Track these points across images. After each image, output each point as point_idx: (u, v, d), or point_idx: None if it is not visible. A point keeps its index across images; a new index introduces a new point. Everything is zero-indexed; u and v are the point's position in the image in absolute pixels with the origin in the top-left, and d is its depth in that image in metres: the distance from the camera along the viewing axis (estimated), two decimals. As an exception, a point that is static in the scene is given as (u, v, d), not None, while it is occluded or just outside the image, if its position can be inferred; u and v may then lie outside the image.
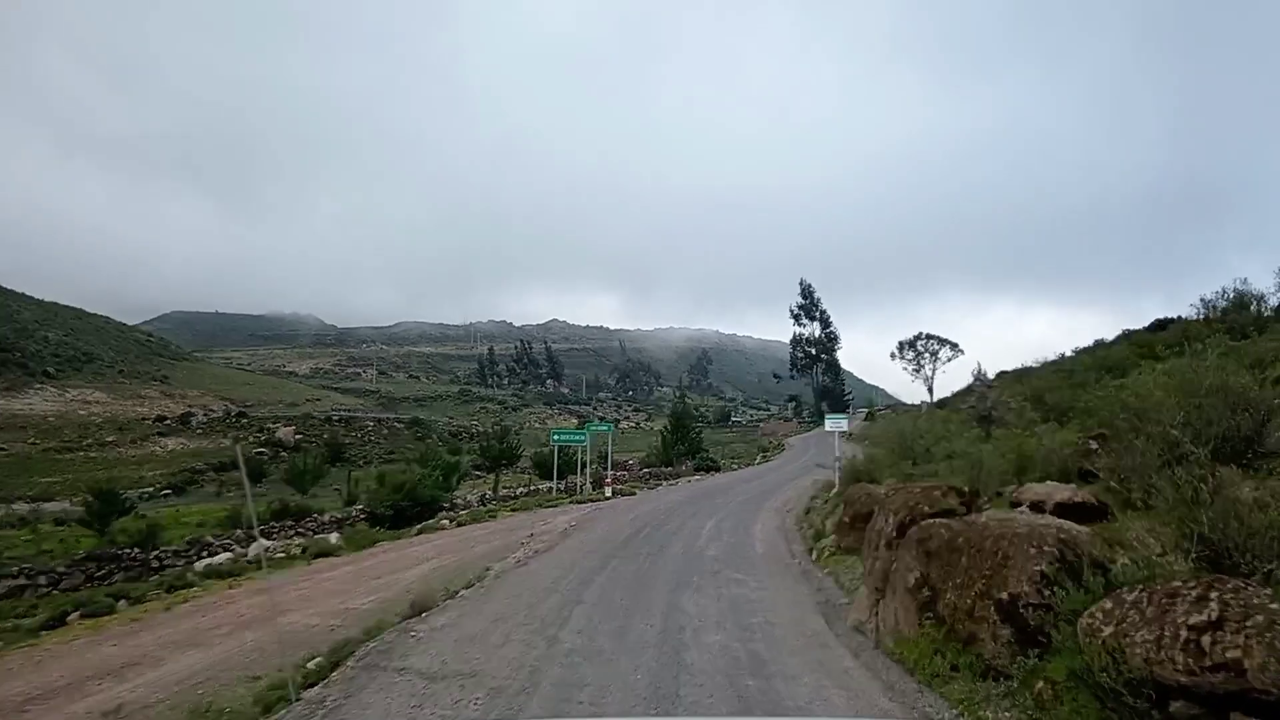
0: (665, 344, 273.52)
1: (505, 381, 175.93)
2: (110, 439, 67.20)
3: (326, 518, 22.58)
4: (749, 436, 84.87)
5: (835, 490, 17.25)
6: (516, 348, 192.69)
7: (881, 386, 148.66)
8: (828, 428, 21.04)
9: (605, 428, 35.41)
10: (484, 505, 27.29)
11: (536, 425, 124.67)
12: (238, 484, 46.94)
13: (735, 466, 44.68)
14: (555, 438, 32.58)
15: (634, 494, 28.68)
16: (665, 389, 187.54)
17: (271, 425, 78.30)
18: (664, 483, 36.74)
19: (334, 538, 20.45)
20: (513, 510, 23.25)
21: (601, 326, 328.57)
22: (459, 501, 25.23)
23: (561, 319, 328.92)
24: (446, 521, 20.65)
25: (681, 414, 43.74)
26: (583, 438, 32.08)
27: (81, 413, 74.06)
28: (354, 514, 23.04)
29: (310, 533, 21.26)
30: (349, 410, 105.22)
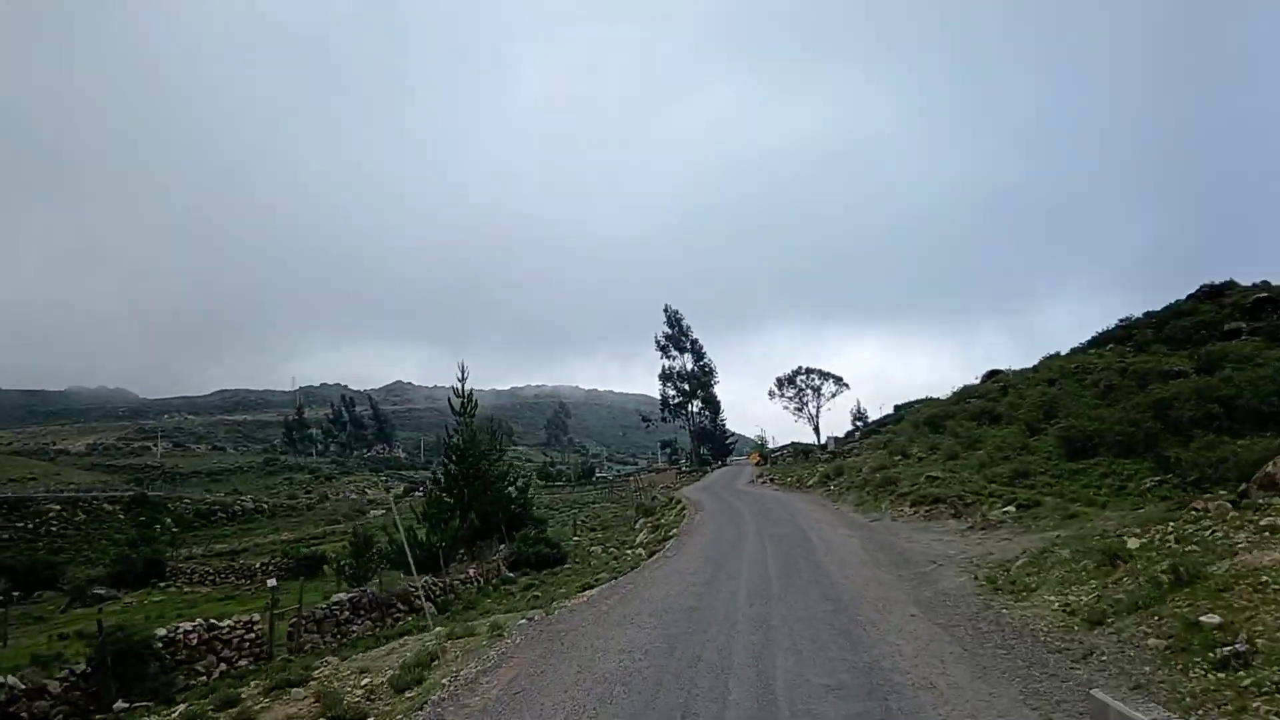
0: (517, 401, 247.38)
1: (322, 447, 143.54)
2: None
3: None
4: (619, 492, 62.49)
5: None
6: (333, 408, 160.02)
7: (740, 432, 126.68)
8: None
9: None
10: None
11: (352, 495, 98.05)
12: None
13: (596, 556, 21.64)
14: None
15: None
16: (520, 448, 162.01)
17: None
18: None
19: None
20: None
21: (451, 387, 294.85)
22: None
23: (406, 380, 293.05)
24: None
25: (466, 447, 19.92)
26: None
27: None
28: None
29: None
30: (46, 490, 72.12)
